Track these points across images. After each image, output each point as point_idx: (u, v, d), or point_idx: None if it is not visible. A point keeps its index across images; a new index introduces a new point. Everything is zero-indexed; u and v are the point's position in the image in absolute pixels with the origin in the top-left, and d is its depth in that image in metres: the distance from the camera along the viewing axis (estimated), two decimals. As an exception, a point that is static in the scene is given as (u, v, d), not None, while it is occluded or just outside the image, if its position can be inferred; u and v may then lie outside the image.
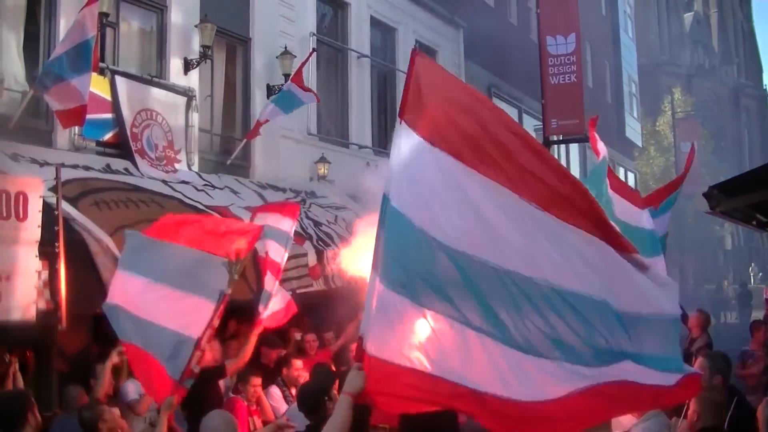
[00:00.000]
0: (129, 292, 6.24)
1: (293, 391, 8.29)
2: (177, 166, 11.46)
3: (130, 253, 6.56)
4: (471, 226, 3.95)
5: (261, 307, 8.08)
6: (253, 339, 8.16)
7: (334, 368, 8.76)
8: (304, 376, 8.38)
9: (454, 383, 3.76)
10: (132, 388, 7.72)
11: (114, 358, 7.49)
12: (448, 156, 4.00)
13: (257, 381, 8.01)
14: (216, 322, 6.01)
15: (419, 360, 3.80)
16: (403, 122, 4.04)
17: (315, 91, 13.32)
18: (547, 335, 3.83)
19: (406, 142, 4.03)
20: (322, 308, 10.74)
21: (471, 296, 3.86)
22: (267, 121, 12.46)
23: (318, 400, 5.60)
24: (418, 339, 3.83)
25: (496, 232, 3.95)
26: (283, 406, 8.24)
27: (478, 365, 3.80)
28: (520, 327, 3.83)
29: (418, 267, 3.88)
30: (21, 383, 7.34)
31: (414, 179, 3.99)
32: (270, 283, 8.23)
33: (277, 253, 8.34)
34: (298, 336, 10.57)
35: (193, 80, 12.23)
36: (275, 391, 8.47)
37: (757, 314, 32.79)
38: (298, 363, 8.64)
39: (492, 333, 3.81)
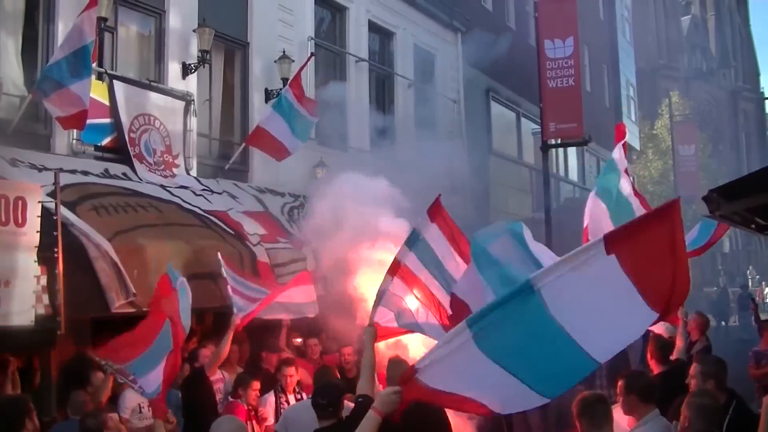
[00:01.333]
0: None
1: (289, 398, 8.25)
2: (175, 170, 11.46)
3: None
4: None
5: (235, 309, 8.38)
6: (229, 337, 8.21)
7: (338, 374, 8.70)
8: (295, 382, 8.36)
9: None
10: (130, 397, 7.71)
11: None
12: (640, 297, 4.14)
13: (257, 385, 8.02)
14: None
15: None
16: (612, 255, 4.13)
17: (314, 100, 13.32)
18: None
19: (602, 268, 4.12)
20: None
21: None
22: (271, 136, 12.38)
23: (338, 401, 5.59)
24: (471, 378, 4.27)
25: None
26: (271, 416, 8.18)
27: None
28: None
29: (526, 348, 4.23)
30: (18, 385, 7.32)
31: (589, 298, 4.16)
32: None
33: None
34: (298, 341, 10.53)
35: (191, 85, 12.23)
36: (270, 399, 8.38)
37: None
38: (290, 369, 8.49)
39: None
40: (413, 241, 6.41)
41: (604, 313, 4.17)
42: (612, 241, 4.07)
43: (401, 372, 5.76)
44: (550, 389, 4.28)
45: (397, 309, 6.27)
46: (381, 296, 6.26)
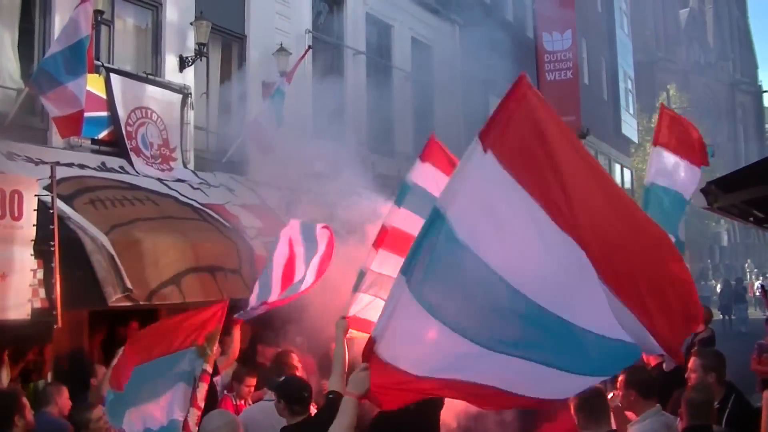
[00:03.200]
0: None
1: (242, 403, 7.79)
2: (172, 164, 11.43)
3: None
4: (517, 255, 3.79)
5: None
6: (236, 335, 8.06)
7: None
8: (251, 393, 7.91)
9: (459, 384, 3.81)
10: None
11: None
12: (524, 192, 3.70)
13: (252, 381, 7.91)
14: (199, 402, 5.59)
15: (428, 371, 3.82)
16: (489, 151, 3.75)
17: (306, 88, 13.31)
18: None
19: (485, 169, 3.75)
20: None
21: (496, 320, 3.80)
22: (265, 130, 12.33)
23: (304, 394, 5.46)
24: (432, 352, 3.83)
25: (535, 265, 3.78)
26: None
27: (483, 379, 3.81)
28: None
29: (455, 287, 3.79)
30: (8, 374, 7.29)
31: (484, 207, 3.80)
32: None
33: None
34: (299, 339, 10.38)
35: (188, 78, 12.20)
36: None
37: (752, 310, 32.91)
38: (250, 380, 7.95)
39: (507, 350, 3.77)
40: (402, 194, 5.59)
41: (504, 224, 3.74)
42: (484, 137, 3.74)
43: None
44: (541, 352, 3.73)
45: (378, 292, 5.56)
46: (360, 279, 5.65)
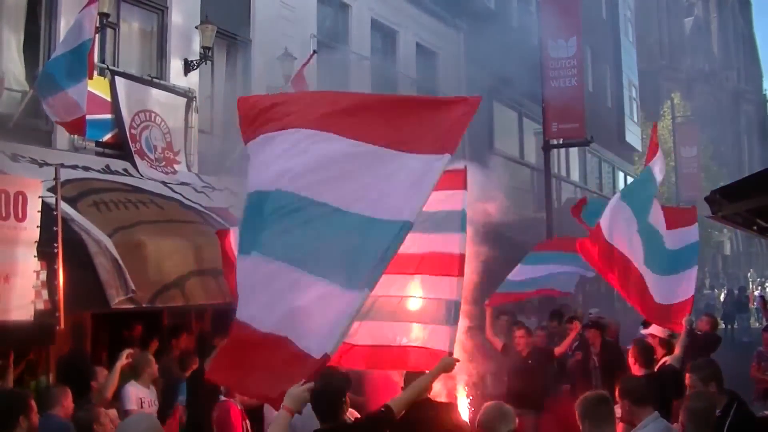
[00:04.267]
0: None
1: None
2: (176, 167, 11.44)
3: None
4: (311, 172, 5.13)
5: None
6: None
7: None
8: None
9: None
10: (132, 392, 7.66)
11: (123, 360, 7.43)
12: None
13: None
14: None
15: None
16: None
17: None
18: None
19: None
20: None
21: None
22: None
23: (336, 403, 5.41)
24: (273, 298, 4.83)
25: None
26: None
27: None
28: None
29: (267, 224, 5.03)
30: (11, 378, 7.29)
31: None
32: None
33: None
34: None
35: (193, 81, 12.22)
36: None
37: (753, 320, 32.80)
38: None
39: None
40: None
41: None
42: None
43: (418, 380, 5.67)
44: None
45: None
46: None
